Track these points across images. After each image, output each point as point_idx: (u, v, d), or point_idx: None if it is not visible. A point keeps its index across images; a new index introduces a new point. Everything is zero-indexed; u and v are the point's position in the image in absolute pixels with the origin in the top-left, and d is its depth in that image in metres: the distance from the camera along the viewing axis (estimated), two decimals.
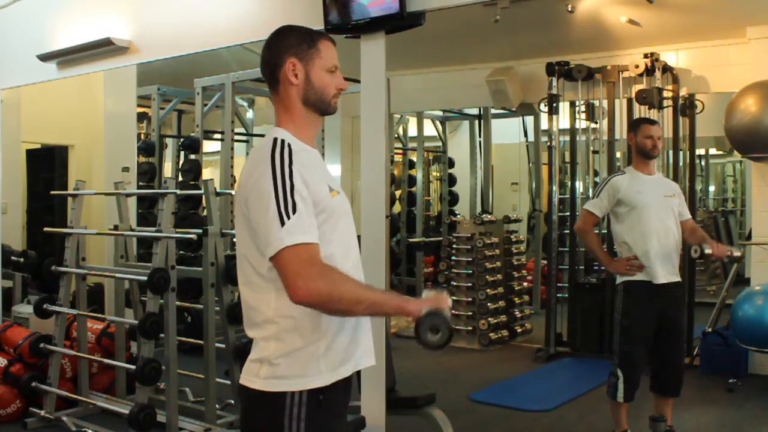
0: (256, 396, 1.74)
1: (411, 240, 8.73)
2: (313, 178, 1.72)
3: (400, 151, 9.42)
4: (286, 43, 1.84)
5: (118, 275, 4.50)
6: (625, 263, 3.71)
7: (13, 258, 5.95)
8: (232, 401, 4.50)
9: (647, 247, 3.66)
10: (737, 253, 3.73)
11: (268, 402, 1.73)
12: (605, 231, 5.73)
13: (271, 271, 1.70)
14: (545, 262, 7.19)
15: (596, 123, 6.48)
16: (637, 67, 5.99)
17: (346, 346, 1.78)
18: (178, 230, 4.42)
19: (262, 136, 1.84)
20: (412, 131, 9.29)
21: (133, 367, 3.97)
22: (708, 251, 3.53)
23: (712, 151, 10.00)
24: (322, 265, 1.66)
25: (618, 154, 6.56)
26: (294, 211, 1.64)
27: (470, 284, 6.65)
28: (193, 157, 6.86)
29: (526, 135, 9.14)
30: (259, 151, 1.75)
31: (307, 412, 1.72)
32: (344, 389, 1.82)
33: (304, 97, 1.84)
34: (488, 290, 6.65)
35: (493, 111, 8.78)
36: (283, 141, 1.74)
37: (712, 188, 10.58)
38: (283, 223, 1.63)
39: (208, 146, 8.80)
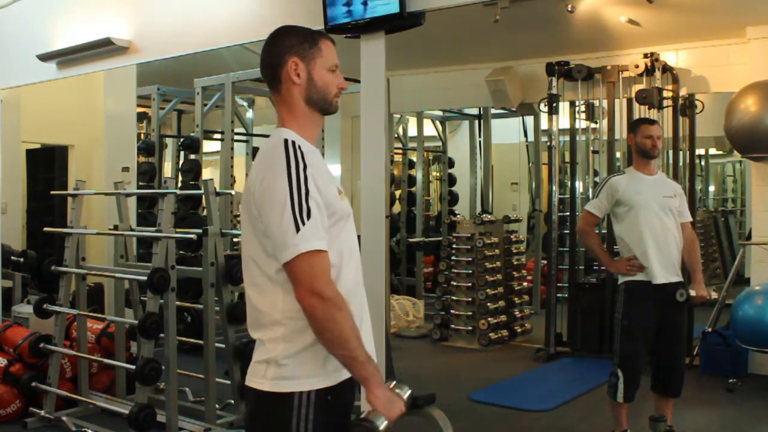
0: (264, 397, 1.74)
1: (411, 240, 8.73)
2: (324, 182, 1.72)
3: (400, 151, 9.42)
4: (287, 43, 1.84)
5: (118, 275, 4.51)
6: (626, 263, 3.71)
7: (13, 258, 5.96)
8: (232, 401, 4.50)
9: (645, 247, 3.66)
10: (714, 295, 4.11)
11: (275, 403, 1.72)
12: (605, 231, 5.74)
13: (279, 273, 1.70)
14: (545, 262, 7.18)
15: (596, 123, 6.48)
16: (637, 67, 5.99)
17: None
18: (178, 230, 4.42)
19: (262, 136, 1.84)
20: (412, 131, 9.29)
21: (133, 367, 3.97)
22: (693, 293, 3.73)
23: (712, 151, 10.01)
24: (337, 290, 1.68)
25: (618, 154, 6.56)
26: (309, 217, 1.65)
27: (470, 284, 6.65)
28: (193, 157, 6.86)
29: (526, 135, 9.14)
30: (271, 153, 1.73)
31: (315, 412, 1.72)
32: (350, 389, 1.82)
33: (306, 97, 1.84)
34: (488, 290, 6.64)
35: (493, 111, 8.79)
36: (294, 142, 1.73)
37: (712, 188, 10.59)
38: (298, 229, 1.63)
39: (208, 146, 8.81)
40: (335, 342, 1.67)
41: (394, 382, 1.81)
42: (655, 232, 3.67)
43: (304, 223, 1.64)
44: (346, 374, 1.77)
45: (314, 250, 1.65)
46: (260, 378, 1.75)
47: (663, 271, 3.66)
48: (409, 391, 1.81)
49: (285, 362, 1.72)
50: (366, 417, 1.69)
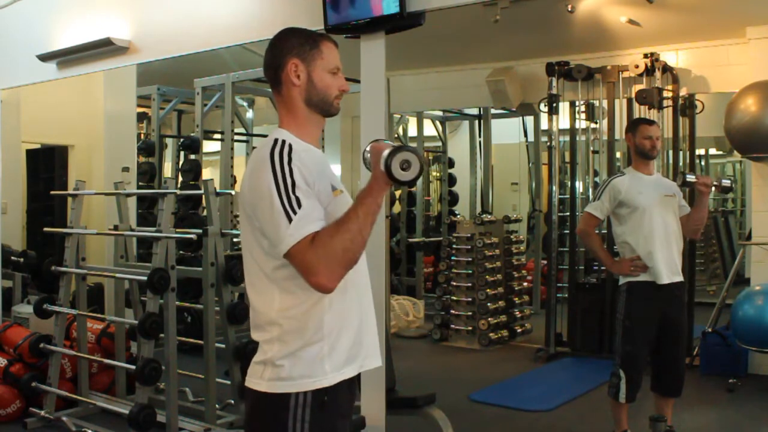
0: (261, 398, 1.74)
1: (411, 240, 8.73)
2: (313, 178, 1.72)
3: None
4: (288, 45, 1.84)
5: (118, 275, 4.50)
6: (629, 264, 3.71)
7: (13, 258, 5.95)
8: (232, 401, 4.50)
9: (650, 248, 3.65)
10: (726, 182, 3.57)
11: (272, 403, 1.73)
12: (605, 231, 5.74)
13: (276, 271, 1.71)
14: (545, 262, 7.19)
15: (596, 123, 6.48)
16: (637, 67, 5.99)
17: (350, 347, 1.78)
18: (178, 230, 4.42)
19: (262, 136, 1.85)
20: (412, 131, 9.29)
21: (133, 367, 3.97)
22: (690, 178, 3.48)
23: (712, 151, 10.00)
24: (313, 243, 1.63)
25: (618, 154, 6.56)
26: (299, 206, 1.65)
27: (470, 284, 6.65)
28: (193, 157, 6.86)
29: (526, 135, 9.14)
30: (260, 152, 1.75)
31: (312, 413, 1.72)
32: (349, 390, 1.82)
33: (306, 98, 1.84)
34: (488, 290, 6.64)
35: (493, 111, 8.78)
36: (283, 141, 1.74)
37: None
38: (290, 220, 1.63)
39: (208, 146, 8.80)
40: (360, 245, 1.66)
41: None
42: (660, 232, 3.67)
43: (295, 213, 1.64)
44: (344, 375, 1.77)
45: (308, 235, 1.63)
46: (258, 379, 1.76)
47: (667, 270, 3.66)
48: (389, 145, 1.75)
49: (281, 363, 1.72)
50: (391, 151, 1.64)
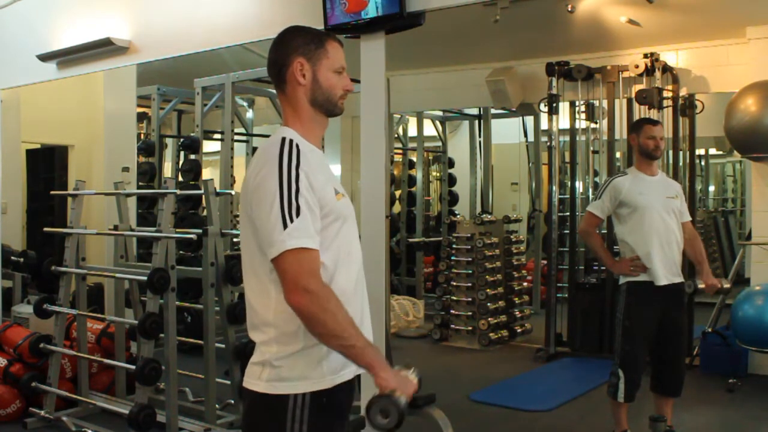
0: (259, 398, 1.74)
1: (411, 240, 8.73)
2: (319, 182, 1.71)
3: (400, 151, 9.42)
4: (293, 44, 1.83)
5: (118, 275, 4.50)
6: (629, 264, 3.71)
7: (13, 258, 5.96)
8: (232, 401, 4.50)
9: (649, 248, 3.65)
10: (726, 285, 3.84)
11: (270, 404, 1.72)
12: (605, 231, 5.74)
13: (274, 272, 1.70)
14: (545, 262, 7.19)
15: (596, 123, 6.48)
16: (637, 67, 5.99)
17: None
18: (178, 230, 4.42)
19: (262, 136, 1.85)
20: (412, 131, 9.29)
21: (133, 367, 3.97)
22: (700, 286, 3.68)
23: (712, 151, 10.01)
24: (323, 283, 1.66)
25: (618, 154, 6.56)
26: (297, 215, 1.64)
27: (470, 284, 6.65)
28: (193, 157, 6.86)
29: (526, 135, 9.14)
30: (267, 150, 1.74)
31: (310, 414, 1.71)
32: (347, 391, 1.82)
33: (311, 98, 1.83)
34: (488, 290, 6.64)
35: (493, 111, 8.78)
36: (291, 141, 1.73)
37: (712, 188, 10.59)
38: (285, 226, 1.63)
39: (208, 146, 8.81)
40: (330, 334, 1.64)
41: (398, 367, 1.77)
42: (659, 234, 3.67)
43: (292, 220, 1.63)
44: (342, 377, 1.77)
45: (301, 248, 1.63)
46: (256, 379, 1.75)
47: (665, 272, 3.66)
48: (417, 374, 1.77)
49: (279, 364, 1.72)
50: (383, 393, 1.65)
